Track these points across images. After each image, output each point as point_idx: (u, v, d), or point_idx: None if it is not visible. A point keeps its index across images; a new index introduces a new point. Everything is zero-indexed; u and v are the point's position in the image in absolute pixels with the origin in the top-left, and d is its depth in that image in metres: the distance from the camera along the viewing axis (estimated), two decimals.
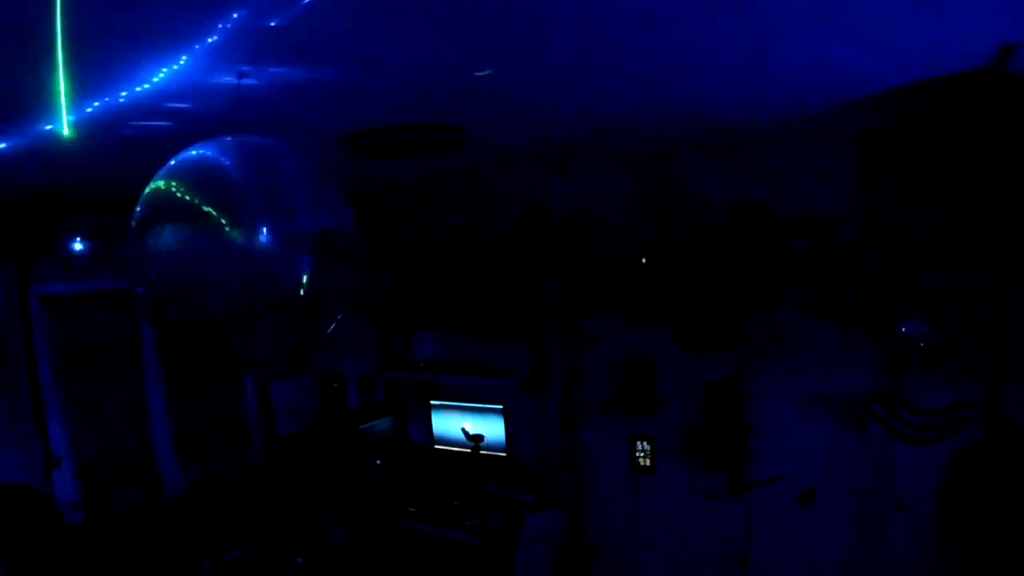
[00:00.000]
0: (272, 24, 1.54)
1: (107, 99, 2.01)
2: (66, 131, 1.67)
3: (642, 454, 4.90)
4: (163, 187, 1.71)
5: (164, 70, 1.79)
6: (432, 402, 5.71)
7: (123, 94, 1.96)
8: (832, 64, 2.27)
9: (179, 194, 1.68)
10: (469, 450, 4.99)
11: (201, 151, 1.76)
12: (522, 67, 2.13)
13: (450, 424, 5.57)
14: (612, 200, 4.83)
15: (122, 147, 2.75)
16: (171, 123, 2.37)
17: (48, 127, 2.16)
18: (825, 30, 1.90)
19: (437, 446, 5.73)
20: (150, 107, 2.16)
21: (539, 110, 2.87)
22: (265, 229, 1.64)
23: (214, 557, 4.61)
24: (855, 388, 4.17)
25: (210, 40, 1.60)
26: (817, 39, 1.98)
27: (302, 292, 1.68)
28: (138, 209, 1.72)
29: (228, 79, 1.88)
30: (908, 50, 2.16)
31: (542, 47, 1.92)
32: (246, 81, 1.88)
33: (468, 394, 5.52)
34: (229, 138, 1.79)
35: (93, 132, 2.39)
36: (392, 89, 2.30)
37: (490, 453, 5.17)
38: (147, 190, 1.73)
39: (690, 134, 3.77)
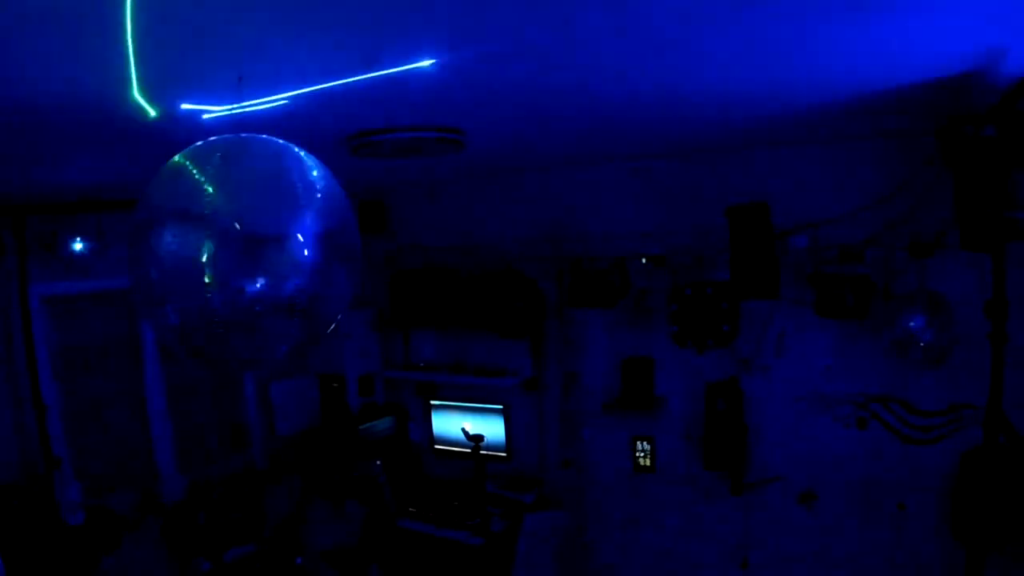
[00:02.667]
0: None
1: None
2: None
3: (642, 454, 4.91)
4: (163, 186, 1.71)
5: None
6: (432, 402, 5.71)
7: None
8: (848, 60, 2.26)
9: (179, 193, 1.68)
10: (469, 450, 4.98)
11: (199, 150, 1.76)
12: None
13: (450, 424, 5.57)
14: (612, 200, 4.83)
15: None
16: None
17: None
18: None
19: (437, 446, 5.73)
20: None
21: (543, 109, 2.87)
22: (266, 229, 1.63)
23: (214, 557, 4.61)
24: (855, 388, 4.17)
25: None
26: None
27: (303, 293, 1.68)
28: (138, 209, 1.71)
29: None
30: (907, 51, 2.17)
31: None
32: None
33: (468, 394, 5.52)
34: (228, 137, 1.79)
35: None
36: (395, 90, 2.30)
37: (490, 453, 5.17)
38: (147, 189, 1.73)
39: (706, 132, 3.77)
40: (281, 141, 1.80)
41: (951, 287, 3.80)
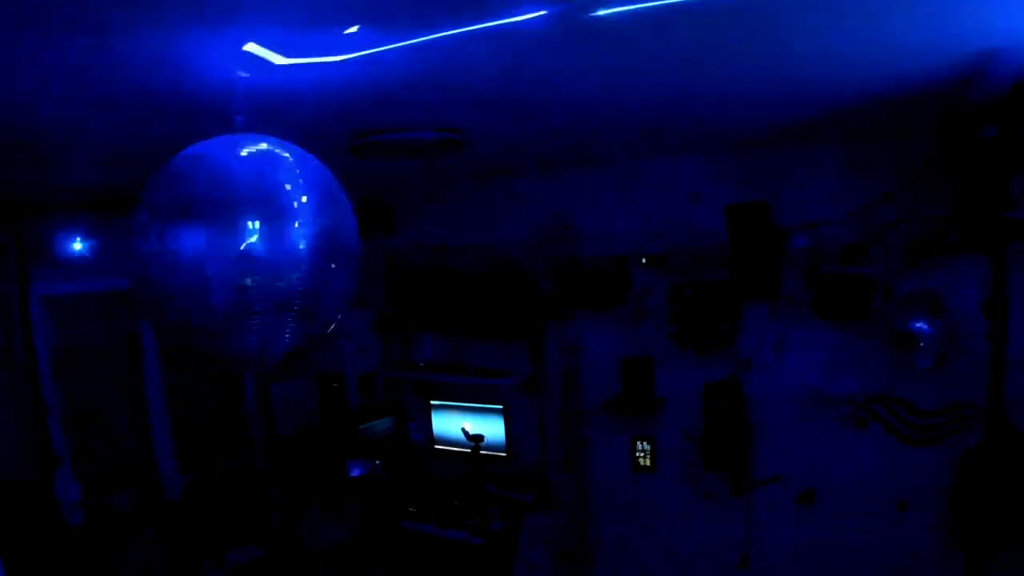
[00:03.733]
0: None
1: None
2: None
3: (642, 454, 4.90)
4: (162, 186, 1.71)
5: None
6: (432, 402, 5.71)
7: None
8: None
9: (179, 193, 1.68)
10: (469, 450, 4.98)
11: (200, 150, 1.76)
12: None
13: (450, 424, 5.57)
14: (611, 200, 4.83)
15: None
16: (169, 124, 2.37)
17: None
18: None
19: (437, 446, 5.73)
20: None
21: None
22: (266, 229, 1.64)
23: (214, 557, 4.61)
24: (855, 388, 4.17)
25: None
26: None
27: (302, 292, 1.68)
28: (139, 208, 1.72)
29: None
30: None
31: None
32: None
33: (468, 394, 5.52)
34: (228, 136, 1.79)
35: None
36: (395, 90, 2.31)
37: (490, 453, 5.17)
38: (146, 189, 1.73)
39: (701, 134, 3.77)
40: (280, 140, 1.80)
41: (951, 287, 3.79)
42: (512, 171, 5.06)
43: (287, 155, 1.75)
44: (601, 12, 1.56)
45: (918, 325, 3.74)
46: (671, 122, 3.38)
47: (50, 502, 4.10)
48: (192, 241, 1.61)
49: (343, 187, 1.85)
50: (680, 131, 3.71)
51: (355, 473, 4.87)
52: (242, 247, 1.60)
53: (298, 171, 1.73)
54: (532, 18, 1.49)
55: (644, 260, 4.59)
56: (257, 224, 1.62)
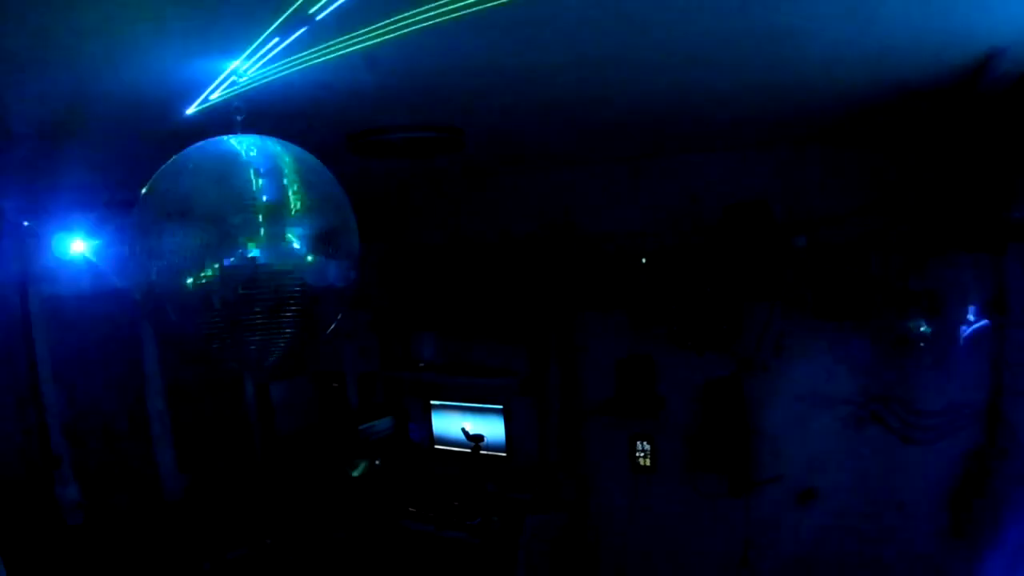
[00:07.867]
0: None
1: None
2: None
3: (642, 454, 4.90)
4: (161, 186, 1.71)
5: None
6: (432, 402, 5.71)
7: None
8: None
9: (179, 193, 1.68)
10: (469, 450, 4.98)
11: (200, 150, 1.76)
12: None
13: (450, 424, 5.57)
14: (610, 200, 4.82)
15: None
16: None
17: None
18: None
19: (437, 446, 5.73)
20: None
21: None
22: (265, 230, 1.64)
23: (213, 557, 4.61)
24: (855, 388, 4.17)
25: None
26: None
27: (302, 293, 1.68)
28: (137, 208, 1.71)
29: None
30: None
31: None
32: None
33: (468, 394, 5.51)
34: (227, 136, 1.79)
35: None
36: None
37: (490, 453, 5.17)
38: (145, 189, 1.73)
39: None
40: (280, 141, 1.80)
41: (951, 287, 3.79)
42: (511, 168, 5.05)
43: (287, 155, 1.75)
44: None
45: (918, 325, 3.74)
46: (669, 119, 3.37)
47: (50, 502, 4.09)
48: (191, 241, 1.61)
49: (343, 187, 1.85)
50: (678, 130, 3.70)
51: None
52: (240, 248, 1.60)
53: (297, 171, 1.73)
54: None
55: (644, 260, 4.58)
56: (256, 225, 1.62)
